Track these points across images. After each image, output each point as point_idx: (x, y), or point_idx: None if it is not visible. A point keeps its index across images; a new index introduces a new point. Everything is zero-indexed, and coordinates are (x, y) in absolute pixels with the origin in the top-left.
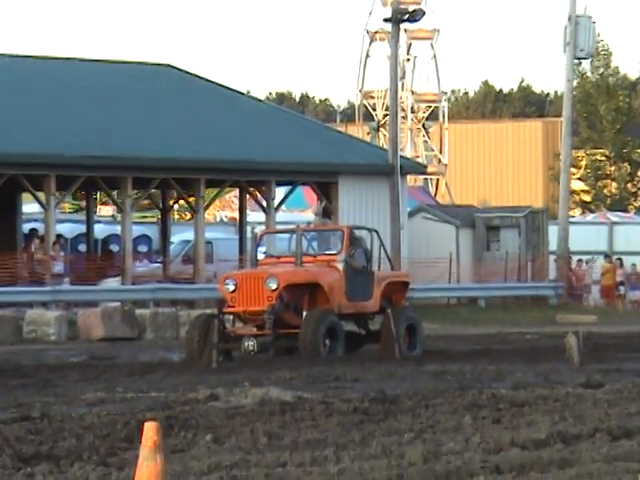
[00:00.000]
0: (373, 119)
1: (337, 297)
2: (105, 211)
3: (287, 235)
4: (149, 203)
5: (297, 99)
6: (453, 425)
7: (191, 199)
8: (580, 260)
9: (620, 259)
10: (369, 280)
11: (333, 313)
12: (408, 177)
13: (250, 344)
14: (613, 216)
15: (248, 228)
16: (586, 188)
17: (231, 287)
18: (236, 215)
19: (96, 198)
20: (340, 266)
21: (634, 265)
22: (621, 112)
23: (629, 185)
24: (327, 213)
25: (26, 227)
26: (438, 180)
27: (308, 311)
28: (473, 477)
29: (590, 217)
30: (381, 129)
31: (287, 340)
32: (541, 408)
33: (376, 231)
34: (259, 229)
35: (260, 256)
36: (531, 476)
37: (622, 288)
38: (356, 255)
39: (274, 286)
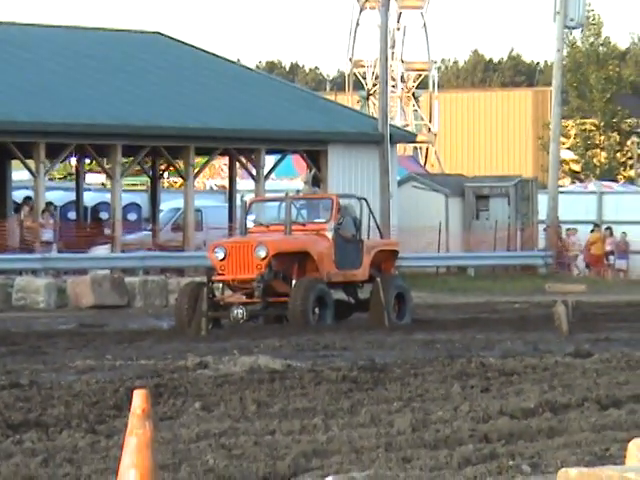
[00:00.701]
0: (363, 88)
1: (326, 266)
2: (92, 179)
3: (276, 204)
4: (138, 170)
5: (287, 68)
6: (442, 394)
7: (181, 167)
8: (569, 229)
9: (610, 228)
10: (358, 249)
11: (322, 282)
12: (398, 146)
13: (239, 312)
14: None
15: (237, 196)
16: (575, 157)
17: (220, 255)
18: (225, 183)
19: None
20: (329, 235)
21: (624, 234)
22: (611, 82)
23: (618, 155)
24: (316, 182)
25: (17, 195)
26: (428, 149)
27: (297, 280)
28: (462, 446)
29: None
30: (371, 98)
31: (276, 308)
32: (530, 377)
33: (365, 200)
34: (248, 197)
35: (249, 224)
36: (520, 445)
37: (612, 257)
38: (345, 224)
39: (263, 254)
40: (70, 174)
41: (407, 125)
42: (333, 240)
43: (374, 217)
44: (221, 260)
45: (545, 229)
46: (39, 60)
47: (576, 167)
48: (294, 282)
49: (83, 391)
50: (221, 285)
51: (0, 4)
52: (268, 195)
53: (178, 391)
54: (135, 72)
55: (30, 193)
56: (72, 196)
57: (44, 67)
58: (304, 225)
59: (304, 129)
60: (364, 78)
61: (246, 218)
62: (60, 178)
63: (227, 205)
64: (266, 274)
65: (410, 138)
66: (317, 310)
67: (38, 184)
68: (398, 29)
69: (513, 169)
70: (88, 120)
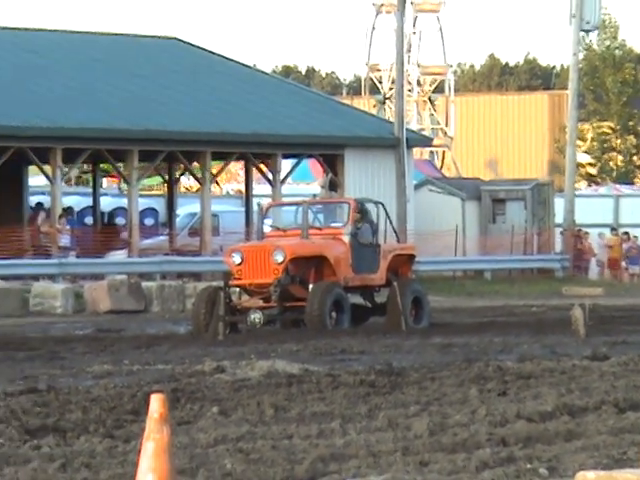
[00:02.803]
0: (379, 92)
1: (343, 270)
2: (107, 184)
3: (293, 208)
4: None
5: (303, 72)
6: (459, 397)
7: (197, 172)
8: (586, 233)
9: (627, 233)
10: (375, 253)
11: (339, 286)
12: (414, 150)
13: (256, 317)
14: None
15: (254, 201)
16: (592, 161)
17: (237, 260)
18: (242, 188)
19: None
20: (346, 239)
21: (635, 237)
22: (627, 85)
23: (634, 158)
24: (333, 186)
25: (33, 200)
26: (444, 153)
27: (314, 284)
28: (479, 449)
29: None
30: (387, 102)
31: (293, 313)
32: (547, 380)
33: (382, 204)
34: (265, 202)
35: (266, 229)
36: (537, 448)
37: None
38: (362, 228)
39: (280, 259)
40: (84, 173)
41: (423, 129)
42: (350, 244)
43: (391, 221)
44: (238, 265)
45: (562, 232)
46: (55, 66)
47: (592, 170)
48: (311, 286)
49: (101, 396)
50: (238, 290)
51: (17, 11)
52: (285, 199)
53: (195, 396)
54: (151, 77)
55: (44, 198)
56: (89, 201)
57: (60, 72)
58: (321, 229)
59: (320, 133)
60: (380, 82)
61: (263, 222)
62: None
63: (244, 210)
64: (283, 278)
65: (426, 142)
66: (334, 314)
67: (55, 189)
68: (414, 33)
69: (530, 172)
70: (104, 125)
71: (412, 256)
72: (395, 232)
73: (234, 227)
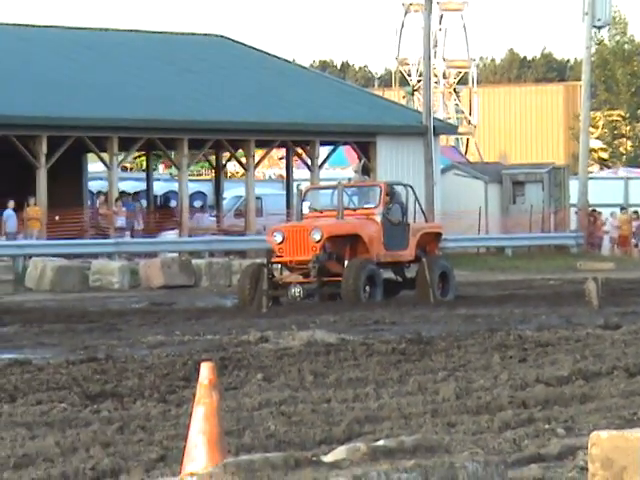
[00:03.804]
0: (408, 84)
1: (376, 247)
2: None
3: (329, 191)
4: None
5: (338, 66)
6: (483, 364)
7: (241, 157)
8: (599, 212)
9: (637, 212)
10: (405, 231)
11: (372, 262)
12: (440, 137)
13: (297, 291)
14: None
15: (294, 184)
16: (603, 146)
17: (279, 239)
18: (283, 173)
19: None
20: (378, 219)
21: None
22: (636, 76)
23: None
24: (366, 170)
25: (92, 186)
26: (468, 140)
27: (349, 260)
28: (501, 411)
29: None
30: (415, 93)
31: (330, 287)
32: (563, 348)
33: (411, 186)
34: (304, 185)
35: (305, 210)
36: (555, 410)
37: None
38: (392, 208)
39: (318, 237)
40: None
41: (449, 118)
42: (382, 224)
43: (419, 202)
44: (279, 243)
45: (576, 212)
46: (113, 61)
47: (604, 155)
48: (347, 263)
49: (155, 364)
50: (280, 266)
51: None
52: (322, 183)
53: (241, 363)
54: (200, 72)
55: (102, 183)
56: (143, 186)
57: (117, 68)
58: (355, 210)
59: (354, 122)
60: (409, 75)
61: (302, 204)
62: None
63: (285, 193)
64: (321, 256)
65: (452, 130)
66: (368, 288)
67: (111, 175)
68: (440, 30)
69: (546, 157)
70: (157, 116)
71: (439, 234)
72: (423, 212)
73: (276, 209)
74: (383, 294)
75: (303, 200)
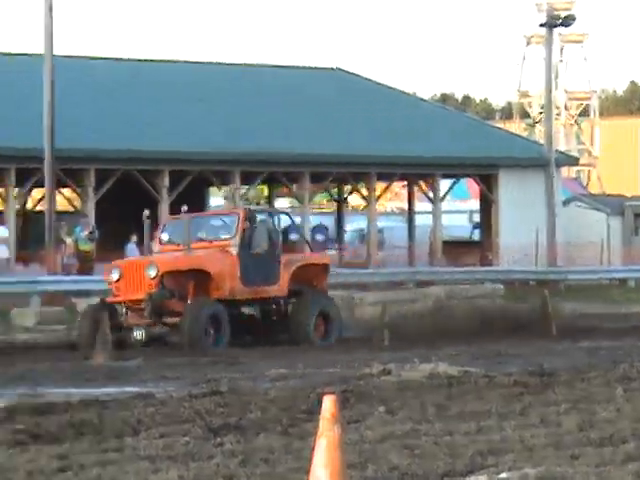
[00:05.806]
0: (529, 116)
1: (229, 283)
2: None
3: (185, 221)
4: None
5: (459, 99)
6: (606, 396)
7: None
8: None
9: None
10: (272, 263)
11: (220, 301)
12: (562, 169)
13: (139, 333)
14: None
15: (415, 217)
16: None
17: (115, 276)
18: (404, 205)
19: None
20: (234, 250)
21: None
22: None
23: None
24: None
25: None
26: (590, 171)
27: (191, 300)
28: (625, 443)
29: None
30: (536, 125)
31: (172, 329)
32: None
33: (287, 213)
34: (147, 211)
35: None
36: None
37: None
38: (255, 238)
39: (153, 274)
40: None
41: (570, 150)
42: (238, 256)
43: (300, 231)
44: (116, 281)
45: None
46: (234, 96)
47: None
48: (188, 302)
49: (277, 397)
50: (124, 307)
51: (179, 46)
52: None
53: (364, 396)
54: (319, 105)
55: None
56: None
57: (237, 103)
58: (211, 242)
59: (476, 155)
60: (530, 107)
61: (161, 236)
62: (257, 203)
63: (407, 225)
64: (155, 294)
65: (573, 162)
66: (212, 331)
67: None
68: (561, 61)
69: None
70: (279, 150)
71: (326, 266)
72: (307, 242)
73: (398, 241)
74: (248, 333)
75: (162, 232)
